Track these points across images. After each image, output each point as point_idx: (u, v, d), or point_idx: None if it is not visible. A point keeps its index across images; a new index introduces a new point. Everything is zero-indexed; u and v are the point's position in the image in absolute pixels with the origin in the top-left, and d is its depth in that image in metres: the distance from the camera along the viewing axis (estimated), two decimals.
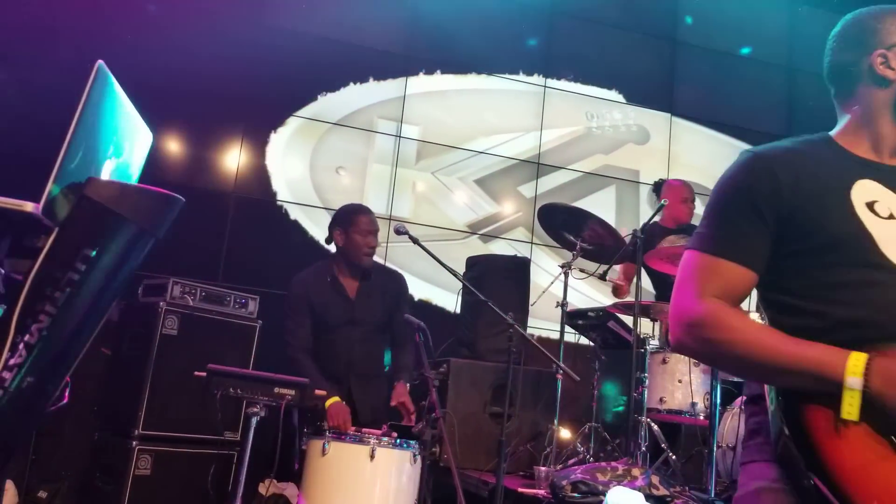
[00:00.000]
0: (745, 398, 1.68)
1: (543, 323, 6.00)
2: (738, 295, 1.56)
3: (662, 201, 4.55)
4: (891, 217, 1.53)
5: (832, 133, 1.73)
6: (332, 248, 4.41)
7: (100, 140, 1.59)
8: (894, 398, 1.33)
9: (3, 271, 1.69)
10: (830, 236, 1.51)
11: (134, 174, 1.80)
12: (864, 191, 1.56)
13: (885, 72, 1.66)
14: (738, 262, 1.54)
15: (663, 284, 5.17)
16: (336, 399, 3.89)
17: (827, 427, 1.36)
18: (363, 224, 4.21)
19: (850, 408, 1.34)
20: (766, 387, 1.51)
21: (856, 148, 1.65)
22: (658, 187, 5.49)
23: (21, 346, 1.44)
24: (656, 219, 4.82)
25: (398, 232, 3.87)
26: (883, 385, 1.34)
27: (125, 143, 1.70)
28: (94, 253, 1.49)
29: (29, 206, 1.42)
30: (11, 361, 1.43)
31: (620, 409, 5.42)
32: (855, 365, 1.36)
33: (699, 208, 5.36)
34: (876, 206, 1.54)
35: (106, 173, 1.63)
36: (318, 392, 3.59)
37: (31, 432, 1.51)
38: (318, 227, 6.12)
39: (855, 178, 1.57)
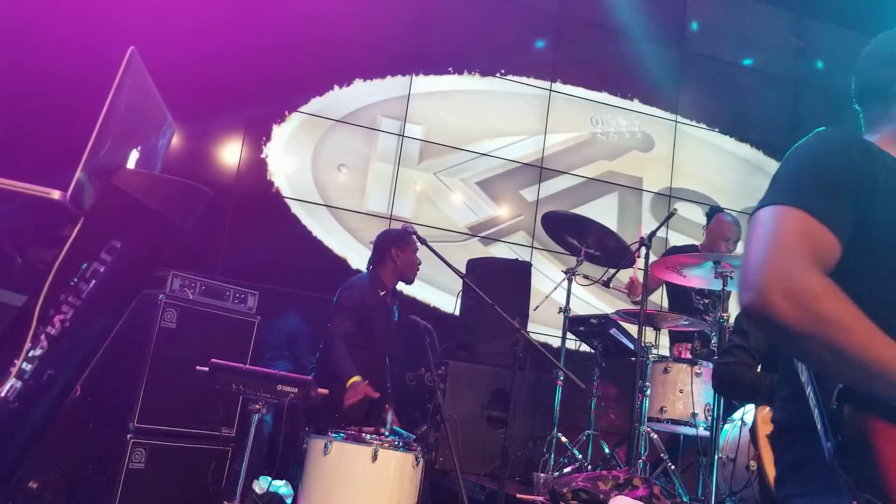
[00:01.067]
0: (776, 429, 1.55)
1: (543, 328, 5.97)
2: (828, 269, 1.38)
3: (673, 210, 4.52)
4: None
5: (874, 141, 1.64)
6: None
7: (128, 128, 1.55)
8: None
9: (20, 260, 1.65)
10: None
11: (158, 164, 1.76)
12: None
13: None
14: (831, 230, 1.38)
15: (678, 297, 5.15)
16: (357, 378, 4.04)
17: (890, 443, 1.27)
18: (414, 245, 4.56)
19: None
20: (818, 414, 1.38)
21: None
22: (711, 215, 5.37)
23: (43, 337, 1.40)
24: (695, 242, 4.78)
25: (407, 233, 3.86)
26: None
27: (151, 132, 1.66)
28: (120, 244, 1.44)
29: (56, 194, 1.38)
30: (33, 353, 1.39)
31: (616, 418, 5.40)
32: None
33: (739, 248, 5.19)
34: None
35: (132, 162, 1.59)
36: (320, 390, 3.55)
37: (49, 425, 1.47)
38: (318, 224, 6.07)
39: None
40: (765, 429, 3.17)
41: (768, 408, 3.18)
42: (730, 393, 3.45)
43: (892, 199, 1.44)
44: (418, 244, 4.48)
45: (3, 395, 1.39)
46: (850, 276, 1.39)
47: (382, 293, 4.56)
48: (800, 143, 1.54)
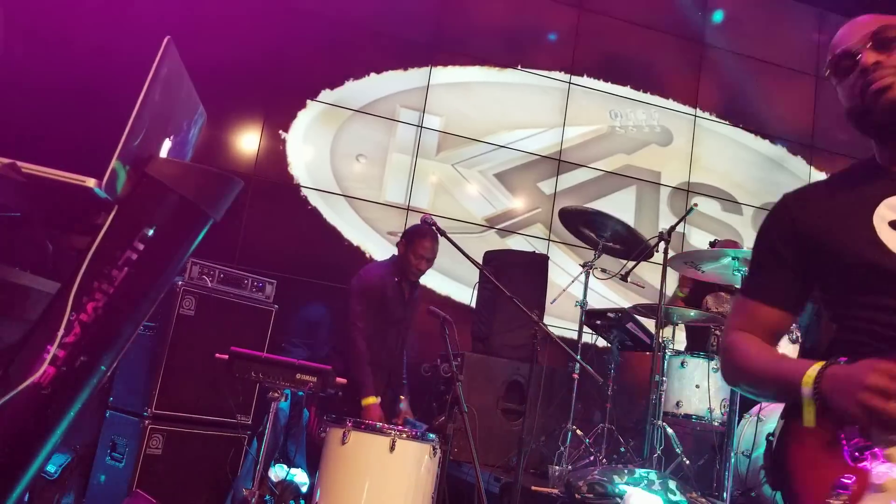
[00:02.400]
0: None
1: (559, 321, 5.97)
2: (768, 329, 1.71)
3: (693, 205, 4.49)
4: None
5: (876, 153, 1.72)
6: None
7: (162, 117, 1.55)
8: (835, 400, 1.42)
9: (52, 247, 1.66)
10: (853, 262, 1.56)
11: (189, 153, 1.77)
12: (888, 210, 1.57)
13: None
14: (762, 302, 1.71)
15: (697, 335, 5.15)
16: (374, 400, 4.17)
17: (795, 437, 1.52)
18: (421, 249, 4.57)
19: (807, 415, 1.46)
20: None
21: (894, 164, 1.63)
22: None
23: (76, 324, 1.41)
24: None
25: (425, 223, 3.85)
26: (828, 389, 1.44)
27: (184, 121, 1.67)
28: (152, 232, 1.45)
29: (91, 182, 1.38)
30: (66, 339, 1.40)
31: (632, 412, 5.40)
32: (809, 375, 1.47)
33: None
34: None
35: (164, 151, 1.60)
36: (339, 380, 3.56)
37: (78, 412, 1.48)
38: (336, 214, 6.08)
39: (881, 198, 1.58)
40: None
41: None
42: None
43: (828, 234, 1.61)
44: (430, 252, 4.58)
45: (36, 380, 1.41)
46: (831, 303, 1.66)
47: (397, 280, 4.61)
48: None
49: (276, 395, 3.40)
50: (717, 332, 4.66)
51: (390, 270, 4.64)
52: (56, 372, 1.40)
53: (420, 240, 4.58)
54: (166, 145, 1.59)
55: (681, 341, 5.33)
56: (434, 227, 3.87)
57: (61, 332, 1.38)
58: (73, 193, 1.39)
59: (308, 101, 6.18)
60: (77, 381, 1.46)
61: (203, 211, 1.53)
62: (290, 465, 4.26)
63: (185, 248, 1.55)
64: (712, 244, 5.46)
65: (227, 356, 3.39)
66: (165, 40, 1.45)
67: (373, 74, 6.36)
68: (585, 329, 4.88)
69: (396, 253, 4.71)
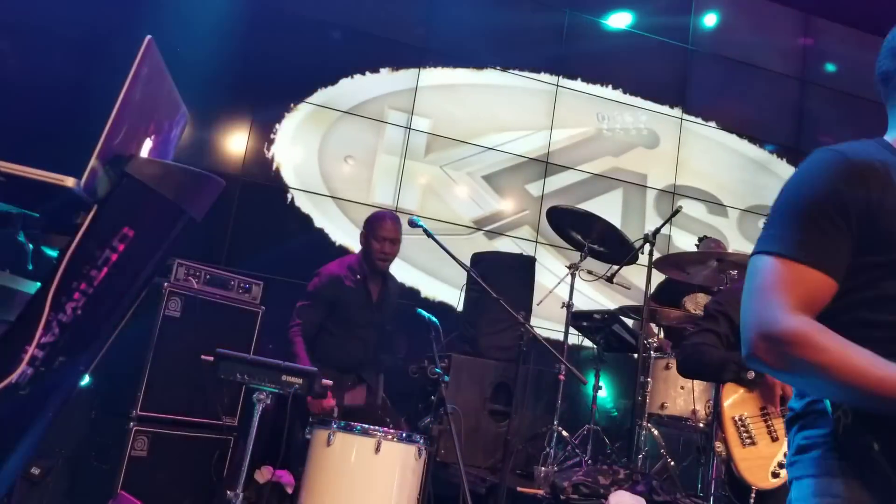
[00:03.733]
0: (792, 415, 1.60)
1: (546, 323, 5.98)
2: (821, 307, 1.46)
3: (678, 207, 4.51)
4: None
5: (889, 139, 1.64)
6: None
7: (143, 117, 1.55)
8: None
9: (31, 247, 1.66)
10: None
11: (171, 153, 1.77)
12: None
13: None
14: (826, 272, 1.44)
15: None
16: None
17: None
18: (380, 231, 4.35)
19: None
20: (829, 403, 1.48)
21: None
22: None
23: (55, 324, 1.41)
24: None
25: (412, 225, 3.85)
26: None
27: (165, 121, 1.67)
28: (132, 232, 1.45)
29: (70, 182, 1.38)
30: (44, 339, 1.39)
31: (617, 413, 5.42)
32: None
33: None
34: None
35: (145, 151, 1.59)
36: (325, 382, 3.56)
37: (57, 412, 1.47)
38: (324, 216, 6.08)
39: None
40: (731, 411, 3.18)
41: (737, 388, 3.19)
42: (694, 372, 3.43)
43: (892, 215, 1.45)
44: (391, 232, 4.35)
45: (14, 381, 1.40)
46: (860, 289, 1.47)
47: (360, 277, 4.40)
48: (794, 173, 1.57)
49: (262, 396, 3.39)
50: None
51: (352, 269, 4.43)
52: (34, 372, 1.39)
53: (379, 222, 4.38)
54: (147, 145, 1.59)
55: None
56: (422, 229, 3.86)
57: (39, 332, 1.37)
58: (53, 193, 1.39)
59: (296, 103, 6.17)
60: (56, 382, 1.45)
61: (184, 211, 1.53)
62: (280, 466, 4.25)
63: (165, 248, 1.55)
64: (700, 240, 5.49)
65: (212, 357, 3.37)
66: (146, 39, 1.45)
67: (361, 76, 6.36)
68: (571, 330, 4.89)
69: (362, 248, 4.50)
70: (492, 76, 6.75)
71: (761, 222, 1.78)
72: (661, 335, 5.18)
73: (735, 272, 4.14)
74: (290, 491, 4.18)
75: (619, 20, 7.15)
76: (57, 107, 4.68)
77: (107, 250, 1.44)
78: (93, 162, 1.37)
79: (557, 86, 6.90)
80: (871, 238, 1.46)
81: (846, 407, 1.44)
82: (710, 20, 7.51)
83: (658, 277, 5.17)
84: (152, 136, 1.60)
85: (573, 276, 4.80)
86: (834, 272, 1.45)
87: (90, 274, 1.43)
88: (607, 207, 6.70)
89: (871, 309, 1.47)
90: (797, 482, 1.53)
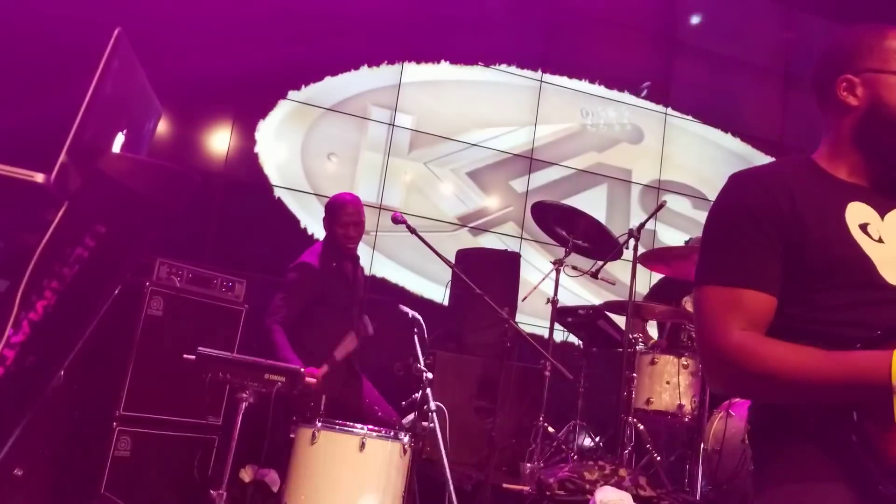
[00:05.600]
0: (750, 429, 1.62)
1: (531, 319, 5.97)
2: (765, 324, 1.49)
3: (662, 201, 4.51)
4: (880, 240, 1.51)
5: (814, 155, 1.67)
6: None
7: (114, 111, 1.52)
8: None
9: (1, 244, 1.62)
10: (832, 258, 1.48)
11: (144, 149, 1.74)
12: (856, 213, 1.53)
13: (847, 98, 1.60)
14: (759, 290, 1.49)
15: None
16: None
17: (885, 434, 1.31)
18: (342, 216, 4.33)
19: None
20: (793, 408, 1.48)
21: (836, 171, 1.61)
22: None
23: (25, 323, 1.38)
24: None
25: (396, 221, 3.83)
26: None
27: (137, 116, 1.64)
28: (104, 229, 1.42)
29: (39, 178, 1.35)
30: (14, 339, 1.37)
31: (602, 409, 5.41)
32: None
33: None
34: (869, 229, 1.52)
35: (117, 146, 1.57)
36: (308, 379, 3.54)
37: (29, 414, 1.45)
38: (307, 213, 6.04)
39: (846, 200, 1.55)
40: None
41: None
42: None
43: (809, 224, 1.50)
44: (353, 216, 4.32)
45: None
46: (790, 300, 1.50)
47: (335, 264, 4.38)
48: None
49: (245, 395, 3.37)
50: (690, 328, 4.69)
51: (324, 258, 4.38)
52: (4, 372, 1.37)
53: (340, 207, 4.35)
54: (119, 140, 1.56)
55: (653, 338, 5.34)
56: (405, 225, 3.84)
57: (9, 331, 1.35)
58: (22, 189, 1.36)
59: (278, 100, 6.13)
60: (27, 382, 1.43)
61: (156, 206, 1.51)
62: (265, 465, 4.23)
63: (137, 245, 1.52)
64: (686, 242, 5.51)
65: (193, 357, 3.35)
66: (116, 32, 1.42)
67: (344, 72, 6.32)
68: (557, 326, 4.89)
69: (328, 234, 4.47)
70: (475, 72, 6.74)
71: None
72: (661, 337, 5.19)
73: None
74: (275, 489, 4.16)
75: (602, 14, 7.14)
76: (26, 100, 4.62)
77: (78, 248, 1.41)
78: (63, 157, 1.35)
79: (541, 81, 6.89)
80: (792, 247, 1.50)
81: (810, 407, 1.45)
82: (693, 15, 7.52)
83: (645, 274, 5.18)
84: (124, 131, 1.57)
85: (558, 271, 4.79)
86: (765, 287, 1.49)
87: (62, 272, 1.40)
88: (592, 203, 6.70)
89: (803, 320, 1.50)
90: (760, 494, 1.53)
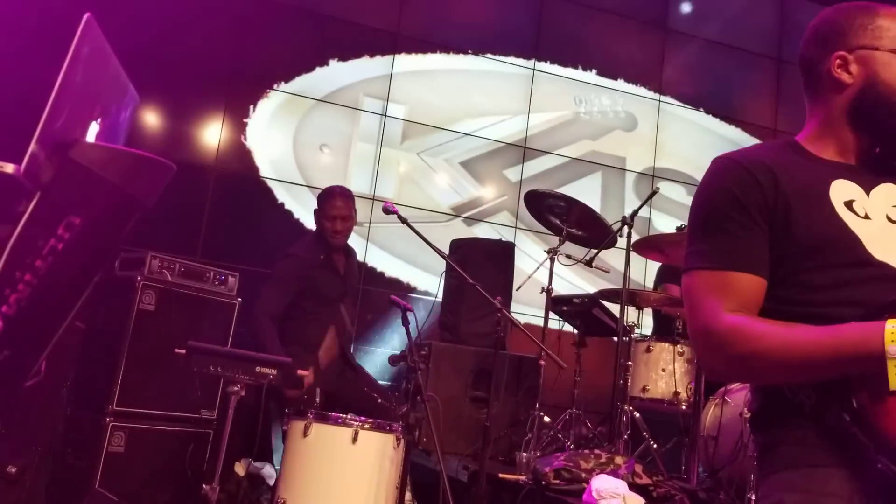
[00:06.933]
0: (751, 415, 1.61)
1: (526, 308, 5.95)
2: (755, 306, 1.49)
3: (655, 188, 4.48)
4: (867, 217, 1.51)
5: (798, 137, 1.67)
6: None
7: (86, 100, 1.49)
8: None
9: None
10: (818, 238, 1.48)
11: (120, 138, 1.71)
12: (841, 191, 1.53)
13: (842, 76, 1.59)
14: (749, 272, 1.48)
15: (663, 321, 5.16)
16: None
17: (880, 406, 1.31)
18: (328, 209, 4.37)
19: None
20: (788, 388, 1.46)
21: (823, 152, 1.61)
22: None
23: None
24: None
25: (387, 211, 3.80)
26: None
27: (112, 105, 1.61)
28: (79, 220, 1.39)
29: (9, 168, 1.32)
30: None
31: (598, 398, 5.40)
32: (892, 332, 1.29)
33: None
34: (854, 206, 1.52)
35: (91, 135, 1.53)
36: (300, 372, 3.52)
37: (7, 408, 1.41)
38: (300, 205, 6.01)
39: (830, 178, 1.54)
40: None
41: None
42: None
43: (792, 205, 1.49)
44: (339, 209, 4.34)
45: None
46: (777, 281, 1.50)
47: (323, 256, 4.40)
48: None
49: (236, 388, 3.34)
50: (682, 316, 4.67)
51: (313, 250, 4.42)
52: None
53: (327, 200, 4.38)
54: (93, 129, 1.53)
55: (648, 325, 5.34)
56: (397, 215, 3.81)
57: None
58: None
59: (269, 91, 6.09)
60: (2, 376, 1.40)
61: (132, 196, 1.48)
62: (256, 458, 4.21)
63: (114, 235, 1.49)
64: (678, 229, 5.48)
65: (184, 351, 3.32)
66: (85, 17, 1.39)
67: (335, 63, 6.28)
68: (552, 315, 4.87)
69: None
70: (467, 61, 6.70)
71: None
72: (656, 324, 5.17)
73: None
74: (270, 483, 4.15)
75: (594, 1, 7.10)
76: None
77: (52, 239, 1.38)
78: (33, 147, 1.32)
79: (534, 69, 6.85)
80: (776, 229, 1.50)
81: (806, 387, 1.43)
82: (685, 1, 7.48)
83: (639, 261, 5.16)
84: (98, 120, 1.54)
85: (552, 260, 4.77)
86: (754, 269, 1.49)
87: (35, 264, 1.37)
88: (586, 191, 6.68)
89: (791, 302, 1.49)
90: (765, 479, 1.52)
